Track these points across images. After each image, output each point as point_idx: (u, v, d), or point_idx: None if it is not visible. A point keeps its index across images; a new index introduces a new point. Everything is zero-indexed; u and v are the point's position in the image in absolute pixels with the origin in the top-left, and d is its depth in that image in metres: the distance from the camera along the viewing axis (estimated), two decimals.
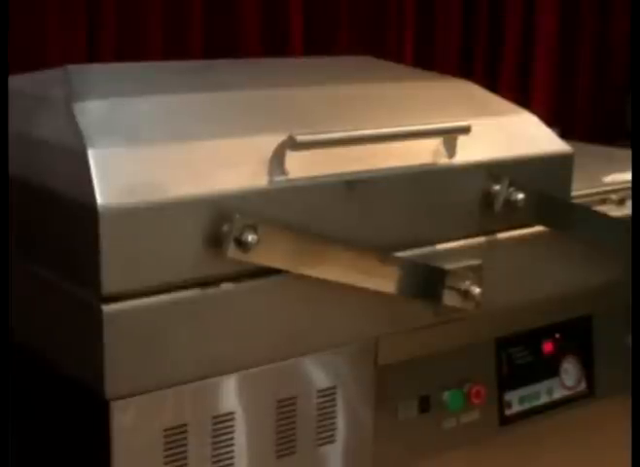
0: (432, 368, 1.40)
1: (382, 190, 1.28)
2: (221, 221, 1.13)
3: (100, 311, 1.08)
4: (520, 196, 1.37)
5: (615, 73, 2.85)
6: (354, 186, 1.24)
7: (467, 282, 1.35)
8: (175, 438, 1.16)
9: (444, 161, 1.34)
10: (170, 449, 1.16)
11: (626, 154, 2.11)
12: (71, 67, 1.37)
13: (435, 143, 1.34)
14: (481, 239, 1.40)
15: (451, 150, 1.34)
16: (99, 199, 1.07)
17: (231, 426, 1.21)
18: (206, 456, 1.19)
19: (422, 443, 1.42)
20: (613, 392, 1.65)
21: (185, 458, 1.17)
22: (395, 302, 1.31)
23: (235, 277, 1.17)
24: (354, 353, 1.30)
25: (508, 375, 1.50)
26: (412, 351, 1.36)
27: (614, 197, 1.64)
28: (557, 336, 1.57)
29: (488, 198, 1.37)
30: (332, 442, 1.30)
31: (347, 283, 1.23)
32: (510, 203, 1.37)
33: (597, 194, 1.64)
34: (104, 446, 1.12)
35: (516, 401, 1.52)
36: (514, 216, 1.39)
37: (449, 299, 1.34)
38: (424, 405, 1.40)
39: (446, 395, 1.42)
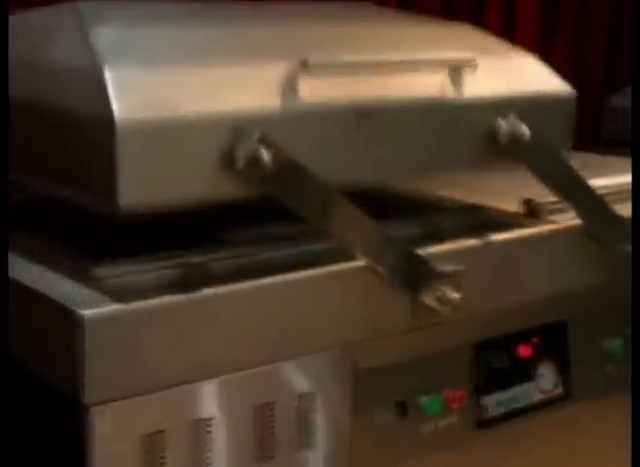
0: (410, 373, 1.40)
1: (390, 120, 1.29)
2: (235, 139, 1.14)
3: (81, 316, 1.08)
4: (526, 131, 1.38)
5: (591, 81, 2.87)
6: (363, 114, 1.25)
7: (446, 287, 1.35)
8: (154, 444, 1.16)
9: (450, 94, 1.36)
10: (149, 454, 1.16)
11: (602, 160, 2.14)
12: (80, 2, 1.38)
13: (441, 77, 1.36)
14: (459, 245, 1.41)
15: (458, 84, 1.36)
16: (117, 113, 1.07)
17: (210, 432, 1.21)
18: (184, 462, 1.19)
19: (400, 447, 1.42)
20: (589, 396, 1.66)
21: (164, 464, 1.17)
22: (373, 307, 1.32)
23: (247, 200, 1.18)
24: (333, 358, 1.30)
25: (485, 379, 1.51)
26: (390, 356, 1.37)
27: None
28: (534, 340, 1.58)
29: (494, 134, 1.38)
30: (310, 447, 1.31)
31: (341, 235, 1.25)
32: (515, 139, 1.38)
33: None
34: (83, 451, 1.12)
35: (494, 405, 1.53)
36: (518, 152, 1.40)
37: (428, 304, 1.35)
38: (402, 409, 1.41)
39: (424, 400, 1.42)
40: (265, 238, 1.33)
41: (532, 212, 1.57)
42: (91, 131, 1.12)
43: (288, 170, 1.17)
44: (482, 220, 1.50)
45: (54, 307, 1.13)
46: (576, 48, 2.92)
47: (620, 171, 1.89)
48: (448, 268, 1.36)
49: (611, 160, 2.11)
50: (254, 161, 1.14)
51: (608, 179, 1.75)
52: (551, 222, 1.56)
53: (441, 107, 1.37)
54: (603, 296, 1.66)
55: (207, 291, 1.17)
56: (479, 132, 1.39)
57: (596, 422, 1.69)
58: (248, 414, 1.24)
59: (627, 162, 2.02)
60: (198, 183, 1.15)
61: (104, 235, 1.40)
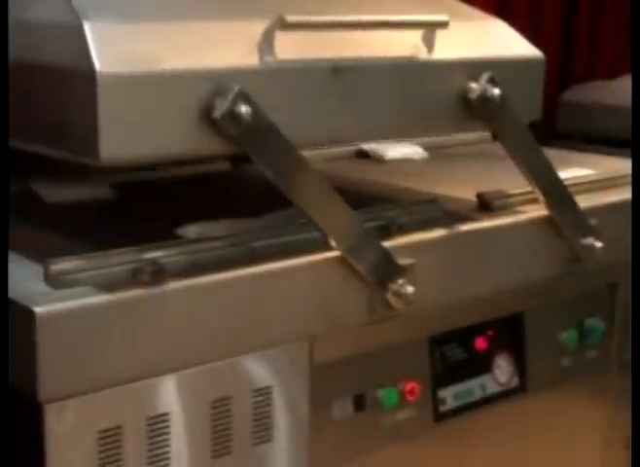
0: (367, 366, 1.41)
1: (365, 78, 1.32)
2: (214, 94, 1.16)
3: (33, 313, 1.08)
4: (496, 92, 1.41)
5: (546, 76, 2.89)
6: (339, 71, 1.27)
7: (400, 281, 1.36)
8: (110, 440, 1.16)
9: (424, 55, 1.39)
10: (105, 450, 1.16)
11: (557, 154, 2.16)
12: None
13: (415, 37, 1.39)
14: (414, 238, 1.42)
15: (430, 45, 1.39)
16: (98, 66, 1.09)
17: (167, 427, 1.21)
18: (142, 458, 1.19)
19: (358, 440, 1.43)
20: (545, 387, 1.68)
21: (120, 460, 1.17)
22: (329, 301, 1.32)
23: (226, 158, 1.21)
24: (289, 353, 1.31)
25: (442, 372, 1.52)
26: (347, 350, 1.38)
27: None
28: (490, 333, 1.59)
29: (465, 95, 1.41)
30: (268, 441, 1.31)
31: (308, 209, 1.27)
32: (486, 100, 1.41)
33: (528, 192, 1.66)
34: (38, 449, 1.11)
35: (451, 397, 1.54)
36: (488, 114, 1.43)
37: (385, 298, 1.36)
38: (359, 403, 1.41)
39: (381, 393, 1.43)
40: (219, 234, 1.33)
41: (486, 205, 1.58)
42: (73, 85, 1.13)
43: (263, 129, 1.19)
44: (437, 213, 1.50)
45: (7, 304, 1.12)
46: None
47: (575, 165, 1.91)
48: (404, 261, 1.37)
49: (566, 154, 2.13)
50: (232, 115, 1.16)
51: (564, 173, 1.77)
52: (504, 215, 1.57)
53: (414, 67, 1.39)
54: (559, 288, 1.67)
55: (162, 287, 1.17)
56: (450, 93, 1.41)
57: (552, 414, 1.71)
58: (205, 409, 1.24)
59: (581, 157, 2.05)
60: (177, 136, 1.16)
61: (59, 231, 1.40)
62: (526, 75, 1.52)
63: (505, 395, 1.62)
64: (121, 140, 1.12)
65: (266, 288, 1.26)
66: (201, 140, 1.17)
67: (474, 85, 1.41)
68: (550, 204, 1.58)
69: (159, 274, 1.19)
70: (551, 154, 2.14)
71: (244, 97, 1.17)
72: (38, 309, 1.08)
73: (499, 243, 1.54)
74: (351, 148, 2.09)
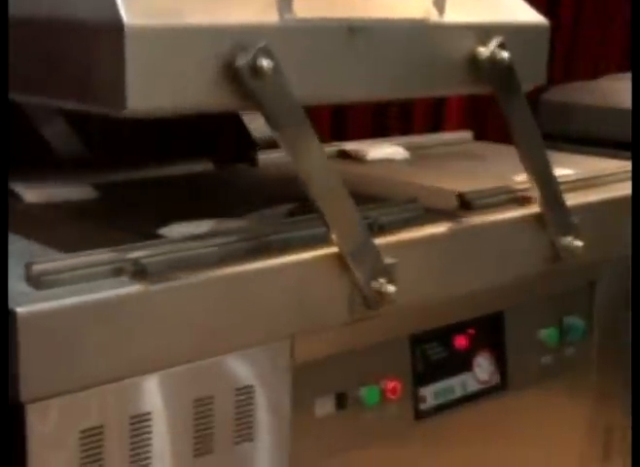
0: (348, 364, 1.42)
1: (379, 38, 1.35)
2: (236, 50, 1.19)
3: (14, 313, 1.08)
4: (505, 55, 1.45)
5: None
6: (355, 31, 1.31)
7: (381, 281, 1.37)
8: (92, 439, 1.16)
9: (435, 17, 1.43)
10: (87, 450, 1.16)
11: None
12: None
13: (427, 2, 1.43)
14: (395, 238, 1.43)
15: (442, 8, 1.44)
16: (125, 19, 1.11)
17: (149, 426, 1.21)
18: (124, 457, 1.20)
19: (340, 439, 1.44)
20: (525, 385, 1.69)
21: (102, 459, 1.17)
22: (310, 300, 1.33)
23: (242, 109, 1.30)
24: (271, 352, 1.32)
25: (422, 370, 1.53)
26: (328, 349, 1.38)
27: (529, 194, 1.68)
28: (470, 331, 1.60)
29: (475, 58, 1.46)
30: (250, 440, 1.32)
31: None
32: (495, 62, 1.45)
33: (509, 191, 1.68)
34: (20, 448, 1.12)
35: (431, 395, 1.55)
36: (496, 76, 1.47)
37: (364, 297, 1.37)
38: (341, 401, 1.42)
39: (363, 391, 1.44)
40: (201, 234, 1.33)
41: (466, 205, 1.59)
42: (100, 38, 1.15)
43: (281, 86, 1.23)
44: (417, 213, 1.51)
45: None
46: None
47: (556, 165, 1.91)
48: (385, 260, 1.38)
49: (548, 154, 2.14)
50: (254, 69, 1.20)
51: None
52: (485, 214, 1.58)
53: (426, 29, 1.43)
54: (539, 286, 1.69)
55: (144, 286, 1.18)
56: (460, 55, 1.45)
57: (532, 411, 1.72)
58: (187, 408, 1.24)
59: (561, 157, 2.06)
60: (199, 89, 1.19)
61: (41, 231, 1.40)
62: (533, 41, 1.56)
63: (485, 393, 1.63)
64: (146, 92, 1.15)
65: (248, 287, 1.27)
66: (222, 94, 1.21)
67: (483, 48, 1.45)
68: (539, 184, 1.60)
69: (141, 274, 1.19)
70: None
71: (267, 52, 1.20)
72: (20, 310, 1.08)
73: (479, 242, 1.55)
74: (333, 148, 2.10)
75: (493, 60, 1.45)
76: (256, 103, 1.23)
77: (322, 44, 1.30)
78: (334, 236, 1.33)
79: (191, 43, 1.18)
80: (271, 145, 2.08)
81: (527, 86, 1.56)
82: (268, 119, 1.25)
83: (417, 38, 1.42)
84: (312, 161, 1.29)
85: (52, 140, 1.86)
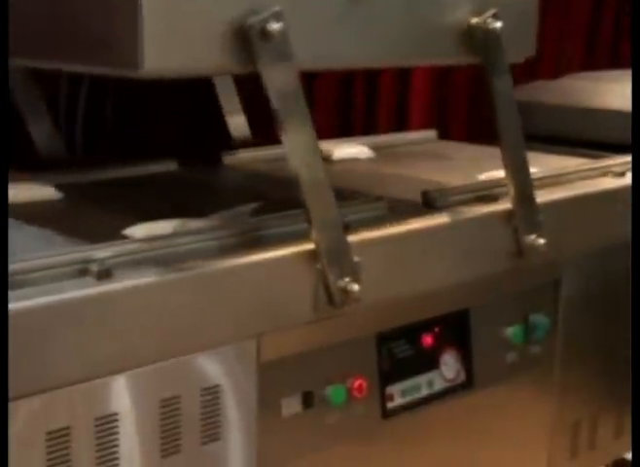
0: (314, 363, 1.42)
1: (380, 5, 1.40)
2: (249, 13, 1.23)
3: None
4: (498, 25, 1.50)
5: None
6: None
7: (346, 279, 1.37)
8: (59, 441, 1.16)
9: None
10: (53, 452, 1.15)
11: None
12: None
13: None
14: (359, 236, 1.43)
15: None
16: None
17: (116, 427, 1.21)
18: (91, 458, 1.19)
19: (307, 438, 1.44)
20: (491, 383, 1.70)
21: (69, 461, 1.17)
22: (275, 299, 1.33)
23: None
24: (236, 351, 1.32)
25: (389, 368, 1.53)
26: (294, 348, 1.39)
27: (492, 192, 1.69)
28: (436, 329, 1.61)
29: (469, 29, 1.51)
30: (217, 440, 1.31)
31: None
32: (488, 32, 1.50)
33: (473, 190, 1.69)
34: None
35: (398, 394, 1.55)
36: (488, 46, 1.52)
37: (328, 296, 1.37)
38: (308, 400, 1.42)
39: (329, 390, 1.44)
40: (166, 234, 1.33)
41: (430, 203, 1.60)
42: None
43: (287, 52, 1.27)
44: (382, 212, 1.52)
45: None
46: None
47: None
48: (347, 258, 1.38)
49: None
50: (263, 32, 1.23)
51: None
52: (449, 212, 1.58)
53: None
54: (504, 284, 1.70)
55: (109, 287, 1.18)
56: (455, 25, 1.50)
57: (499, 408, 1.73)
58: (154, 409, 1.24)
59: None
60: (212, 52, 1.22)
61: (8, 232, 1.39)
62: (523, 13, 1.61)
63: (452, 391, 1.64)
64: (161, 52, 1.18)
65: (213, 287, 1.27)
66: (231, 57, 1.24)
67: (477, 19, 1.50)
68: (514, 168, 1.63)
69: (106, 275, 1.19)
70: (497, 153, 2.18)
71: (278, 16, 1.24)
72: None
73: (444, 241, 1.56)
74: None
75: (486, 30, 1.50)
76: (260, 67, 1.26)
77: (325, 10, 1.34)
78: (314, 231, 1.33)
79: (206, 4, 1.21)
80: (249, 144, 2.09)
81: (518, 57, 1.61)
82: (268, 85, 1.27)
83: (415, 6, 1.46)
84: (303, 138, 1.32)
85: (36, 139, 1.86)
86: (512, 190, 1.63)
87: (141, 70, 1.18)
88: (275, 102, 1.29)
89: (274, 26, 1.24)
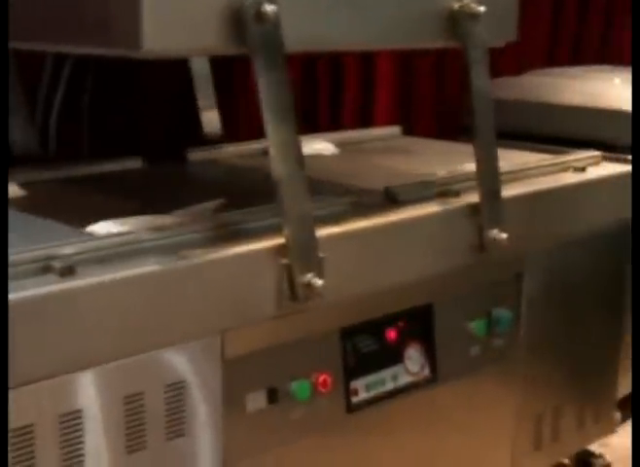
0: (278, 359, 1.43)
1: None
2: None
3: None
4: (481, 9, 1.57)
5: (452, 75, 2.94)
6: None
7: (310, 274, 1.38)
8: (22, 438, 1.16)
9: None
10: (18, 450, 1.16)
11: (464, 148, 2.20)
12: None
13: None
14: (323, 231, 1.43)
15: None
16: None
17: (80, 424, 1.21)
18: (55, 455, 1.19)
19: (272, 433, 1.44)
20: (455, 376, 1.71)
21: (33, 458, 1.17)
22: (239, 295, 1.34)
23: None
24: (200, 348, 1.32)
25: (353, 363, 1.54)
26: (258, 343, 1.39)
27: (455, 187, 1.71)
28: (400, 324, 1.62)
29: (450, 13, 1.57)
30: (182, 435, 1.32)
31: None
32: (472, 16, 1.57)
33: (436, 185, 1.70)
34: None
35: (363, 388, 1.57)
36: (471, 30, 1.59)
37: (292, 291, 1.38)
38: (272, 396, 1.43)
39: (294, 385, 1.45)
40: (129, 231, 1.33)
41: (393, 198, 1.61)
42: None
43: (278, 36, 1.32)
44: (345, 207, 1.53)
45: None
46: (437, 52, 2.98)
47: None
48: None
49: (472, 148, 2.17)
50: (258, 14, 1.28)
51: (471, 166, 1.81)
52: (412, 207, 1.60)
53: None
54: (467, 279, 1.71)
55: (72, 284, 1.18)
56: (439, 9, 1.56)
57: (464, 401, 1.75)
58: (118, 405, 1.24)
59: None
60: (208, 33, 1.28)
61: None
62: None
63: (416, 385, 1.65)
64: (160, 33, 1.23)
65: (176, 283, 1.27)
66: (228, 38, 1.29)
67: (460, 3, 1.56)
68: (483, 160, 1.66)
69: (69, 272, 1.19)
70: (459, 148, 2.20)
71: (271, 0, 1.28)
72: None
73: (406, 235, 1.57)
74: (260, 146, 2.10)
75: (469, 15, 1.56)
76: (252, 48, 1.30)
77: None
78: (286, 225, 1.35)
79: None
80: (221, 140, 2.09)
81: (499, 41, 1.68)
82: (257, 68, 1.31)
83: None
84: (285, 126, 1.36)
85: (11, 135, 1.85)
86: (480, 183, 1.65)
87: (141, 50, 1.22)
88: (261, 87, 1.32)
89: (268, 8, 1.28)
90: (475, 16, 1.57)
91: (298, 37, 1.36)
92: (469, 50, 1.60)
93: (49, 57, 1.93)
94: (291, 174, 1.36)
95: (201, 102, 2.11)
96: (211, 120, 2.13)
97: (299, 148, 1.37)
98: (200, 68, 2.08)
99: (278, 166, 1.35)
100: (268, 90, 1.32)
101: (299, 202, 1.36)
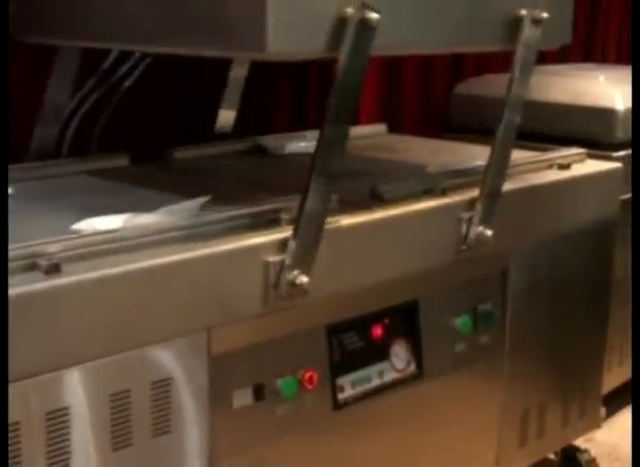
0: (265, 356, 1.43)
1: None
2: (345, 4, 1.35)
3: None
4: (545, 16, 1.64)
5: (438, 73, 2.94)
6: None
7: (295, 272, 1.39)
8: (9, 435, 1.15)
9: None
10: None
11: (450, 145, 2.21)
12: None
13: None
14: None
15: None
16: None
17: (67, 421, 1.21)
18: (41, 453, 1.19)
19: (258, 430, 1.45)
20: (441, 373, 1.72)
21: (19, 456, 1.17)
22: (225, 293, 1.34)
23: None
24: (187, 345, 1.32)
25: (339, 360, 1.55)
26: (245, 340, 1.40)
27: (440, 185, 1.71)
28: (386, 320, 1.62)
29: (516, 19, 1.64)
30: (168, 432, 1.32)
31: None
32: (537, 21, 1.64)
33: (421, 183, 1.70)
34: None
35: (349, 385, 1.57)
36: (531, 35, 1.65)
37: (278, 288, 1.38)
38: (259, 393, 1.43)
39: (280, 382, 1.45)
40: (114, 229, 1.33)
41: (379, 196, 1.61)
42: None
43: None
44: (332, 205, 1.53)
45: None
46: None
47: (467, 156, 1.95)
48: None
49: (459, 146, 2.18)
50: (363, 22, 1.35)
51: (457, 164, 1.82)
52: (397, 205, 1.60)
53: None
54: (452, 275, 1.72)
55: (58, 281, 1.18)
56: (505, 16, 1.63)
57: (449, 397, 1.75)
58: (104, 402, 1.25)
59: (473, 148, 2.10)
60: (319, 38, 1.35)
61: None
62: (562, 2, 1.75)
63: (402, 381, 1.66)
64: (282, 38, 1.31)
65: (162, 280, 1.27)
66: (334, 43, 1.36)
67: (525, 9, 1.63)
68: (494, 154, 1.69)
69: (54, 269, 1.19)
70: (444, 146, 2.21)
71: (368, 6, 1.34)
72: None
73: (392, 233, 1.57)
74: (249, 143, 2.10)
75: (533, 20, 1.63)
76: (347, 53, 1.36)
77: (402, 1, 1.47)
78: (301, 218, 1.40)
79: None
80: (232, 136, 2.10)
81: (554, 45, 1.76)
82: (344, 69, 1.37)
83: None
84: (339, 130, 1.42)
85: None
86: (485, 180, 1.67)
87: (265, 53, 1.29)
88: (337, 88, 1.37)
89: (372, 16, 1.34)
90: (538, 21, 1.64)
91: (392, 42, 1.45)
92: (523, 53, 1.66)
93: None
94: (321, 168, 1.41)
95: (225, 103, 2.14)
96: (227, 118, 2.15)
97: (344, 148, 1.43)
98: (238, 72, 2.11)
99: (321, 162, 1.40)
100: (341, 92, 1.38)
101: (321, 202, 1.41)
